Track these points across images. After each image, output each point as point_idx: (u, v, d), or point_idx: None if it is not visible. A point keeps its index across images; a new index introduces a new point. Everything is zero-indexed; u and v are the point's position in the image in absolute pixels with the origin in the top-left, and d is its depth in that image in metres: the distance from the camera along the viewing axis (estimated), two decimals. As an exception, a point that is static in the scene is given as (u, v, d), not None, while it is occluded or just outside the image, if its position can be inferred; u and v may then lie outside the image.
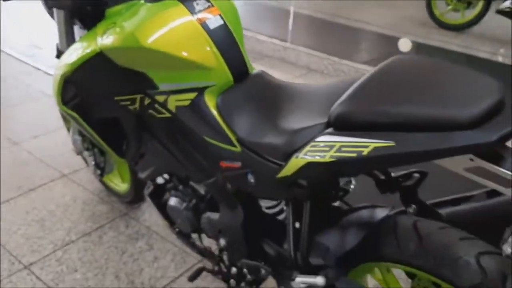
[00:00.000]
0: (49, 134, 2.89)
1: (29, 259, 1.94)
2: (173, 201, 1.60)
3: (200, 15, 1.29)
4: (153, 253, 2.00)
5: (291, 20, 4.85)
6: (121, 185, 2.23)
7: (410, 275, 1.22)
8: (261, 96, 1.28)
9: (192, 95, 1.29)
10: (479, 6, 4.85)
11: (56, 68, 1.59)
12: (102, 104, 1.53)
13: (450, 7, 5.08)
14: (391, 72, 1.06)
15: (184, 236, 1.72)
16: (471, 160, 0.93)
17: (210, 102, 1.28)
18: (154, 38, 1.24)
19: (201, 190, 1.55)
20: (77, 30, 1.66)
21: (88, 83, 1.51)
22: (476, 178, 0.94)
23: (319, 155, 1.04)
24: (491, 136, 0.85)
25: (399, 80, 1.02)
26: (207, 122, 1.28)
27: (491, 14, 4.76)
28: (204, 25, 1.27)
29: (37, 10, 1.75)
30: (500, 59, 4.40)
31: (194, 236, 1.70)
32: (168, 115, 1.35)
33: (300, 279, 1.22)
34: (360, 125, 0.99)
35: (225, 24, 1.31)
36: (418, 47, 4.57)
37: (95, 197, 2.33)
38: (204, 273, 1.58)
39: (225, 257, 1.51)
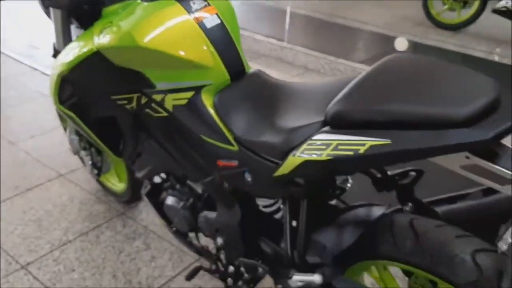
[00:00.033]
0: (46, 134, 2.88)
1: (26, 259, 1.94)
2: (170, 200, 1.60)
3: (197, 14, 1.29)
4: (150, 252, 2.00)
5: (287, 20, 4.85)
6: (118, 185, 2.23)
7: (407, 273, 1.22)
8: (258, 95, 1.28)
9: (189, 94, 1.30)
10: (475, 5, 4.86)
11: (53, 67, 1.58)
12: (99, 103, 1.53)
13: (446, 6, 5.09)
14: (387, 70, 1.06)
15: (181, 235, 1.72)
16: (467, 158, 0.93)
17: (207, 101, 1.28)
18: (151, 37, 1.24)
19: (198, 189, 1.55)
20: (74, 29, 1.66)
21: (85, 83, 1.51)
22: (472, 175, 0.94)
23: (316, 153, 1.04)
24: (487, 134, 0.85)
25: (395, 79, 1.03)
26: (204, 121, 1.28)
27: (487, 14, 4.78)
28: (201, 24, 1.28)
29: (36, 10, 1.75)
30: (496, 58, 4.42)
31: (191, 235, 1.70)
32: (165, 114, 1.35)
33: (297, 277, 1.22)
34: (356, 123, 1.00)
35: (222, 23, 1.31)
36: (414, 47, 4.59)
37: (92, 196, 2.33)
38: (202, 272, 1.58)
39: (222, 256, 1.51)
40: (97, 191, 2.37)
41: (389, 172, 1.26)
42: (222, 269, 1.53)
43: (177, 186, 1.60)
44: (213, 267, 1.55)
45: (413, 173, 1.24)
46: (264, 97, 1.28)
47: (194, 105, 1.29)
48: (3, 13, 4.90)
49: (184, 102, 1.31)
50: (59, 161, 2.59)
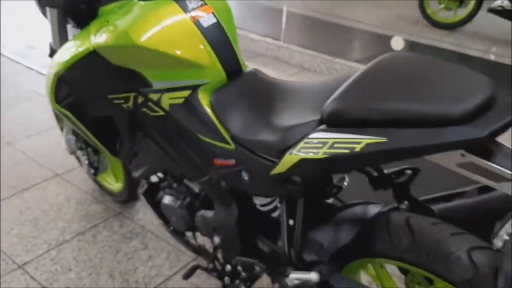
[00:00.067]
0: (42, 133, 2.88)
1: (23, 258, 1.94)
2: (167, 200, 1.60)
3: (193, 13, 1.29)
4: (147, 252, 2.00)
5: (284, 19, 4.86)
6: (115, 184, 2.23)
7: (403, 271, 1.23)
8: (255, 94, 1.29)
9: (185, 93, 1.30)
10: (471, 4, 4.88)
11: (49, 67, 1.58)
12: (96, 102, 1.53)
13: (442, 5, 5.10)
14: (383, 69, 1.07)
15: (178, 234, 1.72)
16: (463, 155, 0.94)
17: (204, 100, 1.28)
18: (147, 36, 1.24)
19: (195, 188, 1.55)
20: (70, 29, 1.65)
21: (82, 82, 1.51)
22: (468, 173, 0.95)
23: (312, 152, 1.04)
24: (482, 132, 0.86)
25: (391, 77, 1.03)
26: (201, 120, 1.28)
27: (483, 13, 4.79)
28: (197, 23, 1.28)
29: (36, 10, 1.74)
30: (492, 57, 4.43)
31: (189, 234, 1.70)
32: (161, 113, 1.36)
33: (294, 275, 1.23)
34: (352, 121, 1.00)
35: (218, 22, 1.31)
36: (410, 46, 4.60)
37: (89, 196, 2.33)
38: (199, 271, 1.58)
39: (219, 255, 1.52)
40: (93, 191, 2.36)
41: (385, 171, 1.27)
42: (219, 268, 1.53)
43: (174, 185, 1.60)
44: (210, 266, 1.55)
45: (409, 171, 1.24)
46: (261, 96, 1.28)
47: (190, 104, 1.29)
48: (3, 13, 4.89)
49: (180, 101, 1.31)
50: (55, 161, 2.59)
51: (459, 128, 0.88)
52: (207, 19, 1.30)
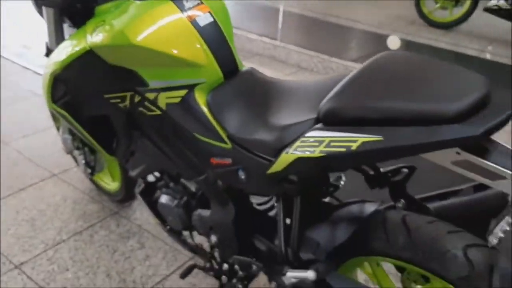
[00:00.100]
0: (38, 133, 2.87)
1: (20, 258, 1.93)
2: (164, 199, 1.60)
3: (190, 13, 1.29)
4: (144, 251, 2.00)
5: (281, 19, 4.86)
6: (112, 184, 2.23)
7: (400, 269, 1.23)
8: (251, 93, 1.29)
9: (182, 92, 1.30)
10: (467, 4, 4.89)
11: (46, 66, 1.58)
12: (92, 102, 1.53)
13: (438, 5, 5.12)
14: (379, 68, 1.07)
15: (175, 234, 1.72)
16: (458, 153, 0.94)
17: (201, 99, 1.28)
18: (144, 35, 1.24)
19: (192, 187, 1.56)
20: (67, 28, 1.65)
21: (78, 81, 1.51)
22: (463, 171, 0.95)
23: (309, 150, 1.05)
24: (478, 130, 0.86)
25: (387, 76, 1.03)
26: (198, 119, 1.28)
27: (478, 12, 4.81)
28: (194, 22, 1.28)
29: (33, 10, 1.75)
30: (488, 56, 4.45)
31: (186, 233, 1.71)
32: (158, 112, 1.36)
33: (291, 274, 1.23)
34: (348, 120, 1.00)
35: (215, 22, 1.31)
36: (407, 45, 4.61)
37: (86, 196, 2.33)
38: (196, 270, 1.58)
39: (216, 254, 1.52)
40: (90, 191, 2.36)
41: (381, 169, 1.27)
42: (217, 267, 1.53)
43: (171, 184, 1.60)
44: (208, 265, 1.56)
45: (405, 170, 1.25)
46: (257, 95, 1.29)
47: (187, 103, 1.30)
48: (3, 13, 4.88)
49: (177, 100, 1.31)
50: (52, 161, 2.58)
51: (455, 126, 0.88)
52: (204, 18, 1.30)
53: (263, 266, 1.38)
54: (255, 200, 1.47)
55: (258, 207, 1.47)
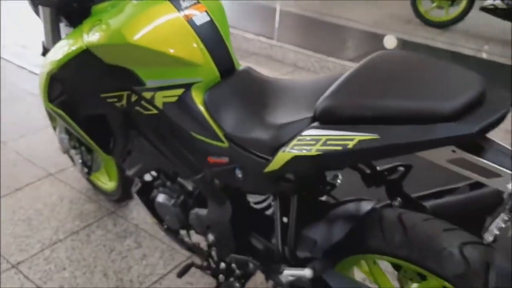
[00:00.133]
0: (35, 133, 2.87)
1: (16, 258, 1.93)
2: (161, 198, 1.60)
3: (186, 12, 1.29)
4: (141, 250, 2.00)
5: (277, 18, 4.87)
6: (109, 183, 2.23)
7: (396, 267, 1.24)
8: (248, 92, 1.29)
9: (179, 91, 1.30)
10: (463, 3, 4.90)
11: (42, 65, 1.58)
12: (89, 101, 1.53)
13: (434, 4, 5.13)
14: (375, 66, 1.07)
15: (172, 233, 1.72)
16: (453, 151, 0.95)
17: (197, 98, 1.28)
18: (140, 34, 1.24)
19: (189, 186, 1.56)
20: (63, 27, 1.65)
21: (75, 81, 1.51)
22: (459, 169, 0.96)
23: (305, 149, 1.05)
24: (473, 128, 0.87)
25: (383, 75, 1.04)
26: (194, 118, 1.28)
27: (475, 12, 4.82)
28: (190, 21, 1.28)
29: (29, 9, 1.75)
30: (484, 55, 4.46)
31: (183, 232, 1.70)
32: (155, 111, 1.36)
33: (288, 272, 1.23)
34: (345, 118, 1.01)
35: (211, 21, 1.31)
36: (403, 44, 4.61)
37: (83, 195, 2.33)
38: (193, 269, 1.58)
39: (213, 253, 1.52)
40: (87, 190, 2.36)
41: (378, 168, 1.27)
42: (214, 265, 1.53)
43: (168, 183, 1.60)
44: (205, 263, 1.56)
45: (401, 169, 1.25)
46: (254, 94, 1.29)
47: (184, 103, 1.30)
48: (3, 13, 4.86)
49: (174, 99, 1.31)
50: (48, 161, 2.58)
51: (450, 124, 0.89)
52: (200, 18, 1.30)
53: (260, 264, 1.38)
54: (252, 199, 1.47)
55: (255, 206, 1.48)
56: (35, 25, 4.43)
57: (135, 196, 1.75)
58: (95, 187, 2.31)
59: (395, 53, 1.11)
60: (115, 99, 1.43)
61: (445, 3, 5.05)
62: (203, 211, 1.47)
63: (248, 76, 1.34)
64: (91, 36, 1.36)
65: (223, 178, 1.32)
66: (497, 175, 0.90)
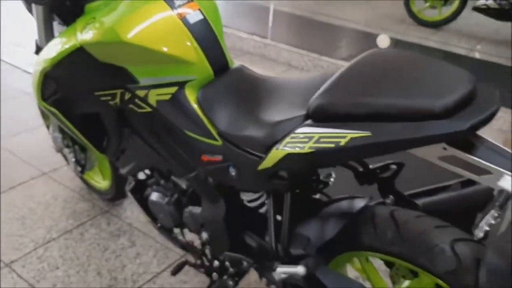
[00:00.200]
0: (28, 132, 2.86)
1: (10, 257, 1.93)
2: (154, 196, 1.60)
3: (180, 10, 1.29)
4: (135, 249, 2.00)
5: (271, 17, 4.87)
6: (102, 182, 2.23)
7: (389, 264, 1.25)
8: (241, 90, 1.30)
9: (172, 90, 1.30)
10: (456, 3, 4.93)
11: (36, 64, 1.58)
12: (82, 99, 1.53)
13: (427, 4, 5.15)
14: (368, 64, 1.08)
15: (166, 231, 1.72)
16: (444, 149, 0.95)
17: (191, 96, 1.29)
18: (134, 32, 1.24)
19: (183, 184, 1.56)
20: (56, 26, 1.65)
21: (68, 79, 1.50)
22: (450, 166, 0.96)
23: (298, 146, 1.06)
24: (464, 125, 0.88)
25: (375, 73, 1.05)
26: (188, 116, 1.29)
27: (467, 11, 4.85)
28: (184, 20, 1.28)
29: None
30: (477, 55, 4.49)
31: (176, 231, 1.71)
32: (148, 109, 1.36)
33: (281, 269, 1.24)
34: (337, 116, 1.01)
35: (205, 19, 1.32)
36: (396, 44, 4.63)
37: (76, 194, 2.32)
38: (187, 268, 1.59)
39: (207, 251, 1.52)
40: (80, 189, 2.36)
41: (370, 166, 1.28)
42: (208, 263, 1.54)
43: (162, 182, 1.60)
44: (199, 262, 1.56)
45: (394, 166, 1.26)
46: (248, 92, 1.29)
47: (177, 101, 1.30)
48: (3, 13, 4.83)
49: (167, 97, 1.31)
50: (42, 160, 2.57)
51: (442, 121, 0.90)
52: (194, 16, 1.30)
53: (253, 262, 1.39)
54: (245, 197, 1.48)
55: (249, 204, 1.48)
56: (30, 24, 4.42)
57: (129, 194, 1.75)
58: (89, 186, 2.31)
59: (387, 51, 1.12)
60: (109, 97, 1.43)
61: (438, 3, 5.07)
62: (196, 209, 1.47)
63: (242, 74, 1.34)
64: (85, 34, 1.36)
65: (217, 176, 1.33)
66: (487, 172, 0.91)
